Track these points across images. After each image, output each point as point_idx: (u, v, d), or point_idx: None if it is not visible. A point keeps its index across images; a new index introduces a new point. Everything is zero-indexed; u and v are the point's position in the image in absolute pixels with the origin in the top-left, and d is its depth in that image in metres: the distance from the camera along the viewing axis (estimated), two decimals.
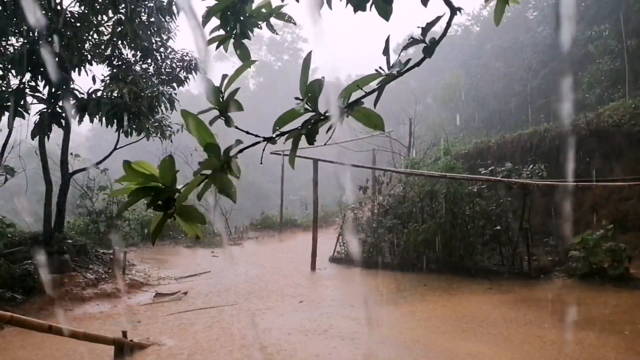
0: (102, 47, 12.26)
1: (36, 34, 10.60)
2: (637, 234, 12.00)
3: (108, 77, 11.96)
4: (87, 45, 11.91)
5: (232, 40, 2.20)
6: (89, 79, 11.77)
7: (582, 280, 10.35)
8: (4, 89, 10.72)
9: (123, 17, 11.60)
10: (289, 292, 10.71)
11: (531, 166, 12.23)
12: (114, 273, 11.50)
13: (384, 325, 7.97)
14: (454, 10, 1.63)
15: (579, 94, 21.73)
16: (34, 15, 9.97)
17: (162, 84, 12.56)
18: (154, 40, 12.47)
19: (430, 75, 35.31)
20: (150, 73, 12.59)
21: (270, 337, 7.21)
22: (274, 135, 1.50)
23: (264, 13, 2.21)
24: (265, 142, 1.52)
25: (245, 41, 2.24)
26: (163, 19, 12.21)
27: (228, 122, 1.49)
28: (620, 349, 6.53)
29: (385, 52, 1.56)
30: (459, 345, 6.74)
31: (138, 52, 12.44)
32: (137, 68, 12.45)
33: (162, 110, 12.52)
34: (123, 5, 11.44)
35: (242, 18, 2.14)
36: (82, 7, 11.33)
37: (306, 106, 1.46)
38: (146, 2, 11.83)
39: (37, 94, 11.06)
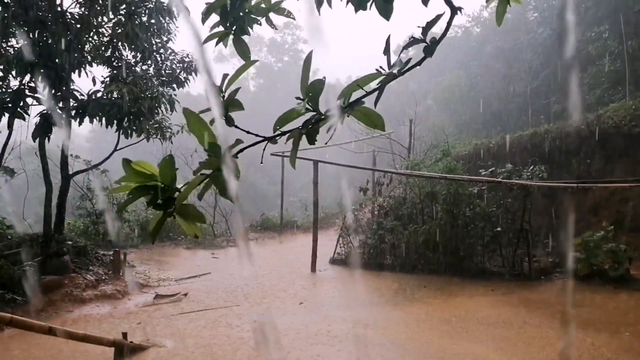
0: (102, 48, 12.27)
1: (36, 35, 10.60)
2: (637, 235, 11.99)
3: (108, 79, 11.97)
4: (87, 47, 11.92)
5: (231, 38, 2.20)
6: (89, 80, 11.78)
7: (582, 282, 10.33)
8: (4, 90, 10.72)
9: (123, 19, 11.61)
10: (289, 293, 10.70)
11: (531, 167, 12.22)
12: (114, 274, 11.50)
13: (384, 327, 7.96)
14: (455, 10, 1.63)
15: (580, 96, 21.72)
16: (34, 17, 9.99)
17: (162, 85, 12.56)
18: (154, 42, 12.47)
19: (431, 77, 35.32)
20: (150, 74, 12.59)
21: (270, 338, 7.20)
22: (274, 135, 1.49)
23: (263, 8, 2.21)
24: (266, 142, 1.52)
25: (245, 40, 2.24)
26: (163, 21, 12.21)
27: (229, 121, 1.49)
28: (621, 350, 6.52)
29: (386, 51, 1.55)
30: (459, 347, 6.72)
31: (138, 54, 12.44)
32: (137, 69, 12.46)
33: (162, 112, 12.52)
34: (123, 7, 11.45)
35: (241, 14, 2.13)
36: (82, 9, 11.34)
37: (307, 106, 1.46)
38: (146, 4, 11.84)
39: (37, 95, 11.06)
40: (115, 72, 12.12)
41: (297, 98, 1.47)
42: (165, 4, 11.88)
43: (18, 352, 7.02)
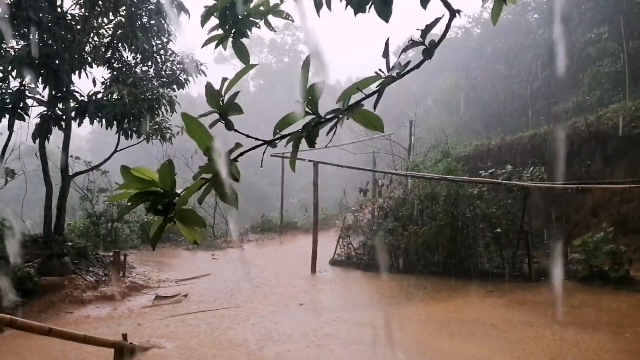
0: (103, 49, 12.29)
1: (37, 36, 10.61)
2: (637, 236, 11.99)
3: (108, 80, 11.99)
4: (87, 48, 11.94)
5: (230, 40, 2.20)
6: (89, 81, 11.81)
7: (582, 283, 10.34)
8: (4, 91, 10.73)
9: (123, 20, 11.63)
10: (289, 294, 10.69)
11: (531, 169, 12.21)
12: (114, 276, 11.49)
13: (383, 328, 7.97)
14: (453, 13, 1.63)
15: (579, 97, 21.72)
16: (35, 18, 10.00)
17: (162, 87, 12.58)
18: (154, 43, 12.49)
19: (430, 78, 35.29)
20: (150, 75, 12.61)
21: (269, 340, 7.21)
22: (274, 139, 1.50)
23: (261, 11, 2.22)
24: (266, 145, 1.52)
25: (246, 43, 2.24)
26: (163, 22, 12.23)
27: (228, 125, 1.49)
28: (621, 351, 6.51)
29: (385, 54, 1.56)
30: (459, 348, 6.72)
31: (138, 55, 12.46)
32: (137, 70, 12.48)
33: (162, 113, 12.53)
34: (123, 8, 11.47)
35: (240, 17, 2.14)
36: (83, 10, 11.36)
37: (306, 109, 1.46)
38: (146, 5, 11.86)
39: (37, 96, 11.07)
40: (115, 73, 12.14)
41: (297, 101, 1.47)
42: (165, 6, 11.90)
43: (18, 354, 7.02)
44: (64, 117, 11.39)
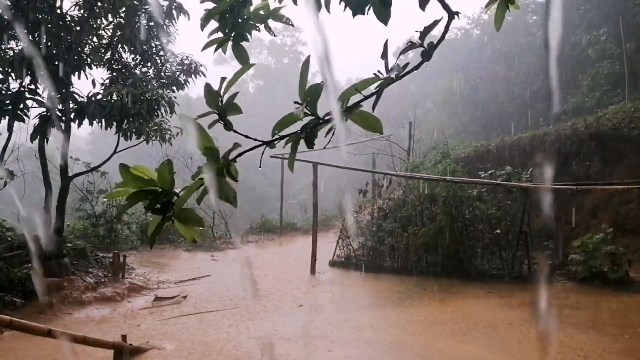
0: (102, 50, 12.29)
1: (36, 37, 10.62)
2: (636, 237, 12.00)
3: (108, 81, 11.98)
4: (86, 49, 11.93)
5: (230, 43, 2.21)
6: (89, 82, 11.80)
7: (581, 284, 10.34)
8: (3, 92, 10.73)
9: (123, 21, 11.63)
10: (289, 296, 10.69)
11: (531, 170, 12.22)
12: (113, 277, 11.49)
13: (383, 329, 7.96)
14: (452, 15, 1.64)
15: (579, 98, 21.75)
16: (34, 19, 10.00)
17: (161, 88, 12.57)
18: (153, 44, 12.50)
19: (430, 79, 35.35)
20: (149, 76, 12.61)
21: (269, 341, 7.20)
22: (273, 139, 1.50)
23: (261, 15, 2.22)
24: (265, 146, 1.52)
25: (246, 44, 2.25)
26: (162, 23, 12.23)
27: (227, 126, 1.49)
28: (620, 352, 6.52)
29: (384, 56, 1.56)
30: (459, 349, 6.73)
31: (137, 56, 12.47)
32: (137, 71, 12.48)
33: (161, 114, 12.52)
34: (123, 9, 11.47)
35: (240, 20, 2.14)
36: (82, 11, 11.35)
37: (305, 110, 1.46)
38: (146, 6, 11.86)
39: (36, 97, 11.06)
40: (114, 74, 12.14)
41: (296, 102, 1.48)
42: (165, 7, 11.90)
43: (17, 355, 7.02)
44: (63, 118, 11.38)
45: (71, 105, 11.46)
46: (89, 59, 11.92)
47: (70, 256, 11.10)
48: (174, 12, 11.88)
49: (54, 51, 10.62)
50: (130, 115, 11.36)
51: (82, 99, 11.57)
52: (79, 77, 11.61)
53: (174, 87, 12.95)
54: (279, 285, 11.76)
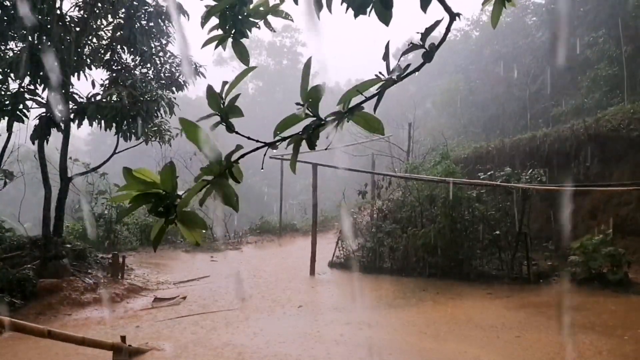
0: (102, 51, 12.30)
1: (35, 38, 10.62)
2: (636, 238, 12.00)
3: (107, 81, 11.99)
4: (86, 50, 11.94)
5: (230, 41, 2.21)
6: (89, 83, 11.80)
7: (581, 285, 10.34)
8: (3, 92, 10.73)
9: (122, 22, 11.64)
10: (288, 297, 10.69)
11: (530, 171, 12.23)
12: (113, 278, 11.49)
13: (382, 331, 7.96)
14: (453, 16, 1.64)
15: (578, 99, 21.77)
16: (34, 20, 10.00)
17: (161, 89, 12.58)
18: (153, 45, 12.50)
19: (430, 80, 35.36)
20: (149, 77, 12.61)
21: (268, 342, 7.20)
22: (275, 140, 1.50)
23: (261, 11, 2.22)
24: (267, 147, 1.52)
25: (244, 44, 2.25)
26: (162, 24, 12.24)
27: (229, 128, 1.49)
28: (620, 354, 6.52)
29: (385, 57, 1.56)
30: (458, 350, 6.72)
31: (137, 57, 12.47)
32: (137, 72, 12.48)
33: (161, 115, 12.53)
34: (122, 10, 11.48)
35: (240, 17, 2.14)
36: (82, 12, 11.36)
37: (307, 111, 1.46)
38: (146, 7, 11.87)
39: (36, 97, 11.06)
40: (114, 75, 12.15)
41: (297, 104, 1.47)
42: (164, 8, 11.91)
43: (17, 356, 7.01)
44: (62, 118, 11.38)
45: (71, 106, 11.46)
46: (88, 60, 11.93)
47: (69, 257, 11.10)
48: (173, 12, 11.88)
49: (54, 52, 10.62)
50: (129, 116, 11.36)
51: (81, 100, 11.57)
52: (78, 78, 11.61)
53: (174, 88, 12.96)
54: (278, 286, 11.75)
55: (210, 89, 1.47)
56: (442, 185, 12.44)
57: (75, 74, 11.48)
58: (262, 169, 1.81)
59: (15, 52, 10.78)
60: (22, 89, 10.83)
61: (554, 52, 22.76)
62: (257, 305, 9.93)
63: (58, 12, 11.04)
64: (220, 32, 2.18)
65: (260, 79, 62.23)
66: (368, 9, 1.74)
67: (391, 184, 16.19)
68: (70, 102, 11.46)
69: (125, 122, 11.57)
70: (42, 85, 10.99)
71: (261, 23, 2.31)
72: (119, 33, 11.81)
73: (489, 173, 12.69)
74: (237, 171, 1.40)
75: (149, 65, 12.72)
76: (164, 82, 12.81)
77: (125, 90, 11.11)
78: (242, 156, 1.43)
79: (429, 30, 1.58)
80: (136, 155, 15.30)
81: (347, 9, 1.80)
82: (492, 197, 12.64)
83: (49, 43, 10.66)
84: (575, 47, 22.45)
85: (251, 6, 2.19)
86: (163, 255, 16.54)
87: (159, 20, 12.11)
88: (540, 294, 10.34)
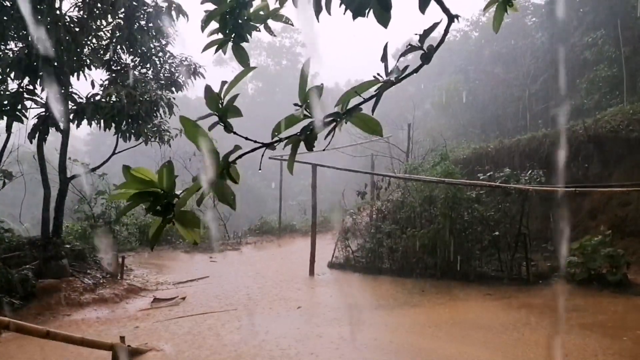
0: (101, 51, 12.29)
1: (35, 38, 10.61)
2: (635, 239, 12.01)
3: (107, 82, 11.97)
4: (85, 50, 11.93)
5: (230, 44, 2.21)
6: (88, 83, 11.79)
7: (580, 286, 10.34)
8: (2, 93, 10.72)
9: (122, 22, 11.63)
10: (287, 297, 10.69)
11: (529, 172, 12.23)
12: (112, 278, 11.48)
13: (381, 331, 7.96)
14: (451, 18, 1.64)
15: (577, 100, 21.79)
16: (33, 20, 9.99)
17: (160, 89, 12.57)
18: (152, 45, 12.49)
19: (429, 81, 35.38)
20: (149, 77, 12.60)
21: (267, 342, 7.20)
22: (273, 141, 1.50)
23: (261, 15, 2.23)
24: (265, 148, 1.52)
25: (245, 46, 2.25)
26: (162, 24, 12.23)
27: (227, 128, 1.50)
28: (619, 354, 6.52)
29: (383, 59, 1.57)
30: (457, 350, 6.72)
31: (137, 57, 12.47)
32: (136, 72, 12.46)
33: (160, 115, 12.51)
34: (122, 10, 11.47)
35: (240, 21, 2.15)
36: (81, 12, 11.35)
37: (305, 112, 1.47)
38: (145, 7, 11.86)
39: (35, 97, 11.06)
40: (114, 75, 12.13)
41: (295, 104, 1.48)
42: (164, 8, 11.90)
43: (15, 356, 7.01)
44: (61, 118, 11.38)
45: (70, 106, 11.45)
46: (88, 60, 11.91)
47: (68, 257, 11.09)
48: (173, 13, 11.88)
49: (53, 52, 10.61)
50: (129, 116, 11.35)
51: (80, 100, 11.56)
52: (77, 78, 11.60)
53: (173, 88, 12.94)
54: (277, 287, 11.75)
55: (208, 89, 1.48)
56: (441, 186, 12.44)
57: (75, 74, 11.47)
58: (259, 169, 1.81)
59: (14, 52, 10.77)
60: (21, 89, 10.82)
61: (553, 53, 22.78)
62: (256, 306, 9.93)
63: (57, 12, 11.04)
64: (220, 36, 2.19)
65: (260, 79, 62.28)
66: (366, 11, 1.74)
67: (390, 184, 16.20)
68: (69, 102, 11.45)
69: (124, 122, 11.56)
70: (41, 86, 10.98)
71: (261, 27, 2.31)
72: (118, 33, 11.81)
73: (488, 174, 12.68)
74: (235, 172, 1.40)
75: (148, 65, 12.71)
76: (163, 82, 12.79)
77: (124, 91, 11.10)
78: (240, 156, 1.43)
79: (427, 32, 1.59)
80: (135, 155, 15.29)
81: (345, 10, 1.81)
82: (491, 198, 12.64)
83: (49, 43, 10.65)
84: (574, 48, 22.48)
85: (251, 10, 2.20)
86: (162, 255, 16.54)
87: (159, 20, 12.10)
88: (540, 294, 10.34)
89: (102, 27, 12.02)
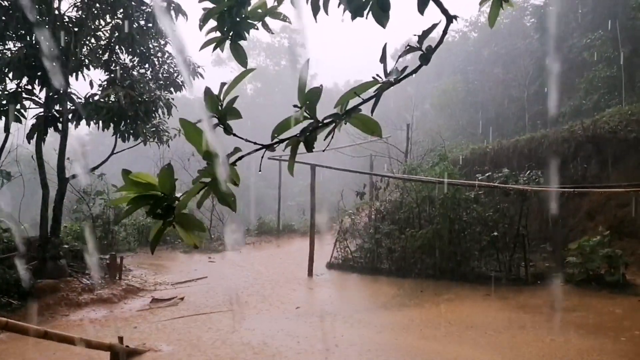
0: (100, 51, 12.28)
1: (34, 38, 10.60)
2: (633, 240, 12.02)
3: (105, 82, 11.96)
4: (84, 50, 11.91)
5: (228, 43, 2.21)
6: (87, 83, 11.78)
7: (578, 287, 10.35)
8: (1, 93, 10.70)
9: (121, 22, 11.62)
10: (286, 298, 10.69)
11: (528, 172, 12.24)
12: (111, 278, 11.47)
13: (380, 331, 7.96)
14: (450, 19, 1.65)
15: (576, 101, 21.80)
16: (32, 20, 9.98)
17: (159, 89, 12.56)
18: (151, 45, 12.48)
19: (428, 81, 35.37)
20: (147, 78, 12.59)
21: (266, 343, 7.20)
22: (272, 143, 1.50)
23: (259, 13, 2.22)
24: (264, 149, 1.52)
25: (243, 46, 2.25)
26: (160, 24, 12.21)
27: (227, 130, 1.50)
28: (617, 355, 6.53)
29: (382, 59, 1.57)
30: (456, 351, 6.73)
31: (135, 57, 12.45)
32: (135, 73, 12.46)
33: (159, 115, 12.50)
34: (121, 11, 11.46)
35: (238, 19, 2.15)
36: (80, 12, 11.34)
37: (304, 113, 1.47)
38: (144, 7, 11.85)
39: (34, 97, 11.04)
40: (112, 75, 12.12)
41: (295, 106, 1.48)
42: (163, 8, 11.89)
43: (14, 356, 7.00)
44: (60, 118, 11.36)
45: (68, 106, 11.44)
46: (86, 60, 11.91)
47: (67, 258, 11.08)
48: (172, 12, 11.86)
49: (52, 52, 10.59)
50: (127, 116, 11.34)
51: (79, 100, 11.54)
52: (76, 78, 11.59)
53: (172, 89, 12.93)
54: (276, 287, 11.75)
55: (208, 90, 1.48)
56: (440, 186, 12.45)
57: (74, 74, 11.46)
58: (259, 171, 1.81)
59: (13, 52, 10.75)
60: (19, 89, 10.81)
61: (552, 54, 22.79)
62: (254, 306, 9.93)
63: (56, 12, 11.03)
64: (218, 34, 2.19)
65: (259, 80, 62.20)
66: (365, 11, 1.74)
67: (389, 185, 16.19)
68: (68, 102, 11.44)
69: (123, 122, 11.55)
70: (40, 86, 10.97)
71: (259, 25, 2.31)
72: (117, 33, 11.79)
73: (487, 174, 12.69)
74: (234, 174, 1.40)
75: (147, 65, 12.69)
76: (162, 82, 12.78)
77: (123, 91, 11.09)
78: (240, 158, 1.43)
79: (426, 33, 1.59)
80: (134, 156, 15.27)
81: (344, 11, 1.81)
82: (490, 199, 12.65)
83: (47, 43, 10.64)
84: (573, 49, 22.50)
85: (249, 8, 2.19)
86: (161, 256, 16.52)
87: (157, 21, 12.08)
88: (538, 295, 10.35)
89: (100, 27, 12.01)
